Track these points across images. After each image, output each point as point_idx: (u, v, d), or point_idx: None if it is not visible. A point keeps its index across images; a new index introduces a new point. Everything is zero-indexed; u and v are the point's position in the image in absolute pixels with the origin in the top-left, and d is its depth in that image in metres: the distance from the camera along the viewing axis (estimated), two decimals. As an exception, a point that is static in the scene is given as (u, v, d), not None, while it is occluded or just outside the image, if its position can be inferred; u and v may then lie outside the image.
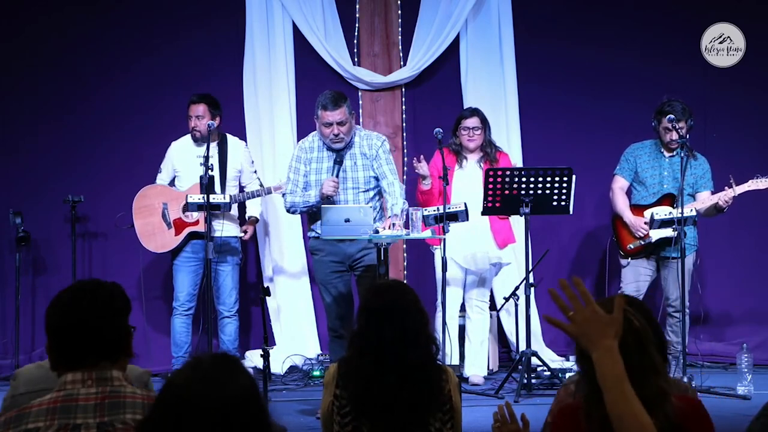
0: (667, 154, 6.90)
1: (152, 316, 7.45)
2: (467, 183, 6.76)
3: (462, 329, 6.96)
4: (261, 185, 7.01)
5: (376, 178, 6.09)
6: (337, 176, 5.98)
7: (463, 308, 6.99)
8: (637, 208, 6.90)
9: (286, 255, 7.55)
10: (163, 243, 6.95)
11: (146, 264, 7.33)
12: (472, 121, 6.88)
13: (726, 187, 6.71)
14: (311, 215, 6.13)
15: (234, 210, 7.04)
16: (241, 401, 1.92)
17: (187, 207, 6.64)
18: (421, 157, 6.74)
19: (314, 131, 6.15)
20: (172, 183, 7.09)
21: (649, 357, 2.51)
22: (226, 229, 6.87)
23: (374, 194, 6.11)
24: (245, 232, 7.12)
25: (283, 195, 6.23)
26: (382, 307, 3.30)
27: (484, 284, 6.99)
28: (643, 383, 2.47)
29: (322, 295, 6.17)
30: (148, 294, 7.36)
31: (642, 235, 6.80)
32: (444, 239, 6.13)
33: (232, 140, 7.08)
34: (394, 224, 5.81)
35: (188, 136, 7.04)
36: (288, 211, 6.22)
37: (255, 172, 7.17)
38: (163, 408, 1.93)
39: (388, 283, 3.79)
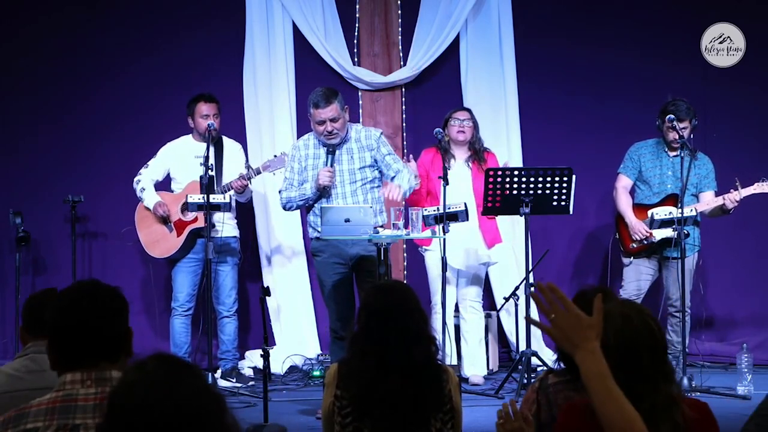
0: (671, 154, 6.90)
1: (151, 317, 7.45)
2: (456, 183, 6.72)
3: (457, 329, 6.98)
4: (249, 167, 6.90)
5: (372, 167, 6.07)
6: (332, 166, 5.99)
7: (456, 309, 7.00)
8: (641, 208, 6.90)
9: (286, 255, 7.55)
10: (168, 247, 6.93)
11: (146, 265, 7.34)
12: (463, 114, 6.90)
13: (731, 190, 6.70)
14: (308, 212, 6.15)
15: (233, 210, 7.04)
16: (195, 400, 1.89)
17: (187, 207, 6.63)
18: (410, 156, 6.75)
19: (311, 132, 6.17)
20: (159, 184, 7.03)
21: (660, 363, 2.52)
22: (225, 229, 6.86)
23: (370, 186, 6.11)
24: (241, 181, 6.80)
25: (279, 192, 6.24)
26: (384, 306, 3.29)
27: (476, 284, 6.98)
28: (654, 389, 2.48)
29: (324, 296, 6.17)
30: (148, 295, 7.36)
31: (639, 239, 6.80)
32: (444, 239, 6.12)
33: (228, 142, 7.06)
34: (399, 185, 5.76)
35: (187, 137, 7.02)
36: (284, 207, 6.19)
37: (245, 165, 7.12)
38: (112, 417, 1.90)
39: (390, 283, 3.78)
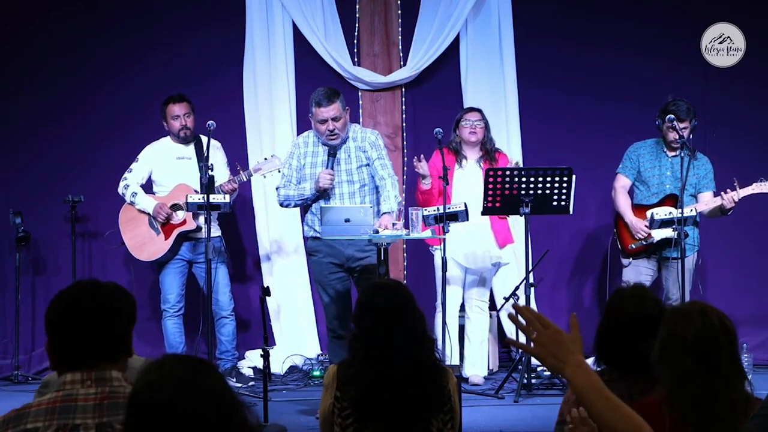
0: (670, 154, 6.90)
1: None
2: (467, 183, 6.75)
3: (461, 329, 6.97)
4: (240, 170, 6.86)
5: (369, 166, 6.14)
6: (332, 169, 6.01)
7: (462, 308, 6.99)
8: (640, 208, 6.90)
9: (286, 255, 7.55)
10: (155, 250, 6.91)
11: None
12: (474, 115, 6.91)
13: (728, 189, 6.71)
14: (305, 211, 6.16)
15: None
16: (221, 398, 1.90)
17: (188, 207, 6.63)
18: (422, 156, 6.74)
19: (311, 129, 6.19)
20: (144, 186, 7.01)
21: (737, 361, 2.55)
22: (212, 229, 6.84)
23: (369, 188, 6.13)
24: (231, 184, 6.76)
25: (277, 189, 6.25)
26: (388, 307, 3.27)
27: (484, 284, 6.99)
28: (731, 387, 2.51)
29: (321, 295, 6.20)
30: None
31: (641, 237, 6.80)
32: (444, 239, 6.13)
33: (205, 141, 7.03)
34: (394, 224, 5.83)
35: (166, 138, 7.01)
36: (281, 205, 6.27)
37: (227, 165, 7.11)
38: (136, 417, 1.91)
39: (390, 283, 3.74)
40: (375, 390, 3.19)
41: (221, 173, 6.87)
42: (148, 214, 6.87)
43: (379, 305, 3.29)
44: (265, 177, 6.79)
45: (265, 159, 6.78)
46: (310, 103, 6.08)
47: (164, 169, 6.94)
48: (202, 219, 6.68)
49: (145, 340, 7.29)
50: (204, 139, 6.97)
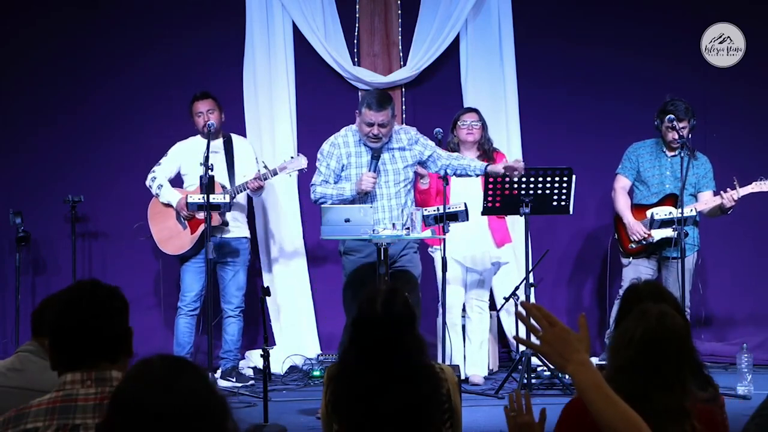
0: (669, 154, 6.90)
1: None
2: (466, 183, 6.75)
3: (462, 329, 6.98)
4: (266, 167, 6.86)
5: (412, 166, 6.17)
6: (375, 171, 6.00)
7: (464, 308, 7.00)
8: (640, 208, 6.90)
9: (286, 255, 7.55)
10: (181, 244, 6.93)
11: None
12: (471, 116, 6.91)
13: (728, 189, 6.71)
14: None
15: (244, 210, 7.07)
16: (194, 402, 1.89)
17: (188, 207, 6.64)
18: None
19: (347, 126, 6.18)
20: (173, 182, 7.05)
21: (680, 371, 2.55)
22: (237, 230, 6.88)
23: (410, 187, 6.18)
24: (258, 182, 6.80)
25: (311, 185, 6.20)
26: (384, 312, 3.18)
27: (484, 284, 6.99)
28: (672, 394, 2.50)
29: (348, 297, 6.06)
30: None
31: (637, 239, 6.81)
32: (444, 239, 6.13)
33: (237, 140, 7.06)
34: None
35: (196, 137, 7.02)
36: (315, 202, 6.17)
37: (257, 161, 7.12)
38: (115, 416, 1.91)
39: (387, 288, 3.59)
40: (369, 396, 3.15)
41: (251, 168, 6.91)
42: (173, 207, 6.89)
43: (376, 310, 3.24)
44: (290, 176, 6.83)
45: (291, 158, 6.79)
46: (361, 101, 6.09)
47: (193, 165, 6.92)
48: (228, 215, 6.75)
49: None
50: (235, 137, 7.03)
